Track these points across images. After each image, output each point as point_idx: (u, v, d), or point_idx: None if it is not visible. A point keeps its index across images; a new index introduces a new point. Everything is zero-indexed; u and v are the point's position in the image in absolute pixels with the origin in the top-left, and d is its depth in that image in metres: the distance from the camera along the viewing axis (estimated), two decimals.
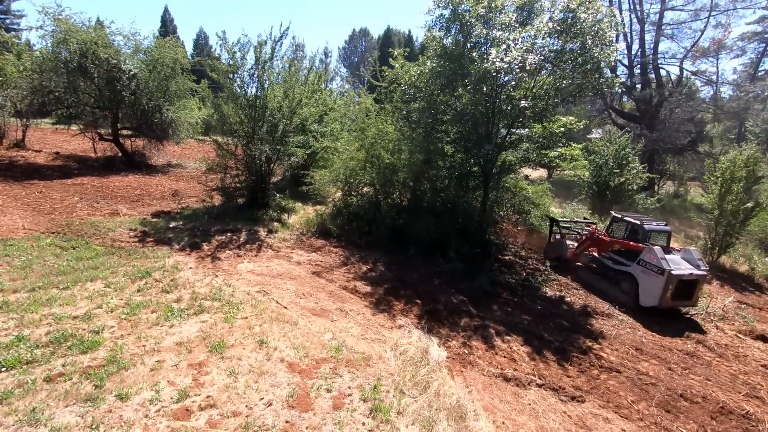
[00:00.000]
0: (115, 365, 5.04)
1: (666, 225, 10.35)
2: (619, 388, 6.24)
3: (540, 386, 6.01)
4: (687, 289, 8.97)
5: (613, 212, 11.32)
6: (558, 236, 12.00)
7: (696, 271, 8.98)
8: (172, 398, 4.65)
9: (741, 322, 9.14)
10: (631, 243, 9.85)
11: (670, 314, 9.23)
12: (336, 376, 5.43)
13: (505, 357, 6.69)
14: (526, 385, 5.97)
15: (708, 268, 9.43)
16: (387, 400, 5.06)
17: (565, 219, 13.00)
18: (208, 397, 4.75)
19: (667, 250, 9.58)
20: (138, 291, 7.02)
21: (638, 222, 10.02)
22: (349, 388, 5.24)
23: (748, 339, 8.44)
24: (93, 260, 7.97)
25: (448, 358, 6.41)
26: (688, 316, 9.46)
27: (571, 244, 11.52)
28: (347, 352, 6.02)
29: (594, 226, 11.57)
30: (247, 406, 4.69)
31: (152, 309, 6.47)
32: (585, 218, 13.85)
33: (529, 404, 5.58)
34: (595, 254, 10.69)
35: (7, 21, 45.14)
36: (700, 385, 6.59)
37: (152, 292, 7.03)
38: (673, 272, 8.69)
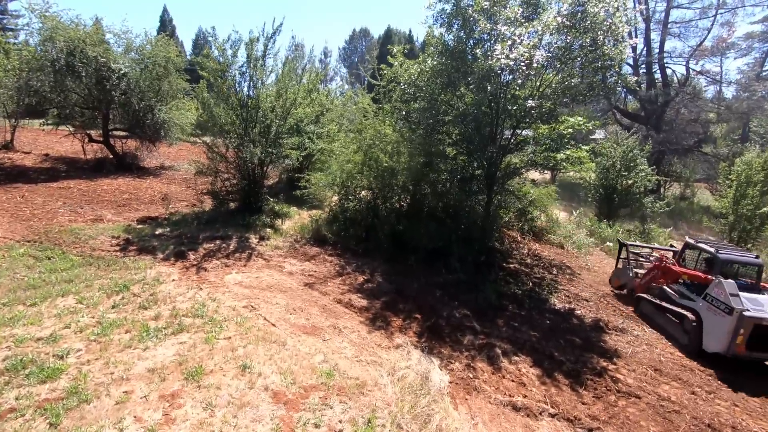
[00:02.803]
0: (76, 398, 4.47)
1: (757, 257, 8.45)
2: (639, 416, 5.65)
3: (553, 416, 5.42)
4: None
5: (687, 238, 9.64)
6: (627, 262, 10.58)
7: None
8: None
9: None
10: (701, 274, 8.30)
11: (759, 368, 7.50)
12: (326, 408, 4.85)
13: (513, 381, 6.10)
14: (538, 416, 5.38)
15: None
16: None
17: (636, 243, 11.59)
18: None
19: (754, 287, 7.82)
20: (113, 307, 6.44)
21: (711, 249, 8.40)
22: (339, 422, 4.67)
23: None
24: (68, 272, 7.40)
25: (450, 382, 5.83)
26: None
27: (639, 272, 10.03)
28: (339, 378, 5.44)
29: (664, 254, 10.02)
30: None
31: (126, 328, 5.90)
32: (671, 246, 12.03)
33: None
34: (665, 287, 9.02)
35: (4, 21, 44.71)
36: (727, 411, 6.00)
37: (128, 309, 6.46)
38: (746, 313, 6.92)
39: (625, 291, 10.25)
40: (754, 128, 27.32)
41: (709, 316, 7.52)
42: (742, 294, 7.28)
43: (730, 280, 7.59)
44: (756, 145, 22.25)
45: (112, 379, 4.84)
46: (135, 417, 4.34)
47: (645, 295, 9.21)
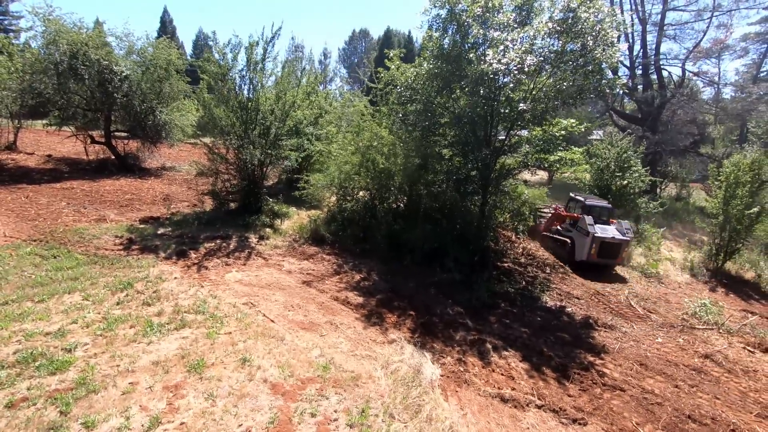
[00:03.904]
0: (85, 388, 4.72)
1: (609, 204, 12.93)
2: (623, 408, 5.90)
3: (539, 407, 5.66)
4: (612, 250, 11.54)
5: (570, 193, 14.11)
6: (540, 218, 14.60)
7: (618, 236, 11.51)
8: (142, 426, 4.33)
9: (751, 334, 8.78)
10: (575, 215, 12.67)
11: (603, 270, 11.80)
12: (322, 398, 5.10)
13: (502, 374, 6.34)
14: (525, 407, 5.63)
15: (632, 236, 12.12)
16: (375, 426, 4.73)
17: (544, 205, 15.65)
18: (182, 424, 4.42)
19: (603, 221, 12.13)
20: (117, 304, 6.69)
21: (582, 198, 12.93)
22: (335, 411, 4.92)
23: (758, 352, 8.08)
24: (73, 270, 7.65)
25: (442, 376, 6.07)
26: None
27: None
28: (335, 371, 5.69)
29: (558, 206, 14.37)
30: None
31: (131, 324, 6.15)
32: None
33: (528, 429, 5.24)
34: (559, 227, 13.28)
35: (5, 22, 44.91)
36: (708, 404, 6.24)
37: (132, 305, 6.71)
38: (596, 234, 11.35)
39: (535, 235, 13.90)
40: (752, 129, 27.51)
41: (578, 238, 11.93)
42: (596, 225, 11.67)
43: (589, 216, 11.94)
44: (754, 146, 22.47)
45: (119, 371, 5.09)
46: (140, 406, 4.59)
47: (546, 233, 13.56)
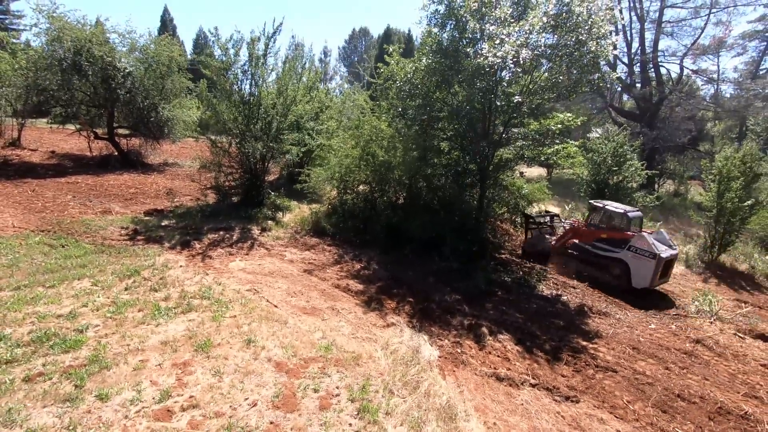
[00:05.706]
0: (97, 365, 4.93)
1: (638, 210, 11.12)
2: (614, 388, 6.10)
3: (533, 386, 5.87)
4: (667, 268, 9.99)
5: (590, 201, 11.92)
6: (538, 231, 12.46)
7: (672, 252, 10.08)
8: (153, 398, 4.54)
9: (743, 322, 8.98)
10: (622, 231, 10.39)
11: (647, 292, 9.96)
12: (324, 376, 5.31)
13: (498, 356, 6.55)
14: (519, 385, 5.84)
15: (677, 248, 10.66)
16: (375, 401, 4.94)
17: (537, 214, 13.24)
18: (191, 397, 4.63)
19: (651, 234, 10.28)
20: (126, 289, 6.91)
21: (618, 210, 10.56)
22: (337, 388, 5.13)
23: (748, 338, 8.28)
24: (81, 258, 7.86)
25: (439, 357, 6.29)
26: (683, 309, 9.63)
27: (550, 237, 12.01)
28: (337, 352, 5.90)
29: (576, 219, 12.50)
30: (230, 406, 4.58)
31: (139, 308, 6.36)
32: (549, 212, 14.43)
33: (522, 404, 5.45)
34: (576, 242, 11.19)
35: (6, 21, 45.06)
36: (698, 384, 6.45)
37: (140, 291, 6.92)
38: (662, 255, 9.49)
39: (540, 256, 11.74)
40: (751, 127, 27.68)
41: (636, 261, 9.79)
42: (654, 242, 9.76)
43: (649, 233, 10.05)
44: (752, 144, 22.68)
45: (129, 350, 5.30)
46: (151, 381, 4.80)
47: (573, 252, 11.19)
